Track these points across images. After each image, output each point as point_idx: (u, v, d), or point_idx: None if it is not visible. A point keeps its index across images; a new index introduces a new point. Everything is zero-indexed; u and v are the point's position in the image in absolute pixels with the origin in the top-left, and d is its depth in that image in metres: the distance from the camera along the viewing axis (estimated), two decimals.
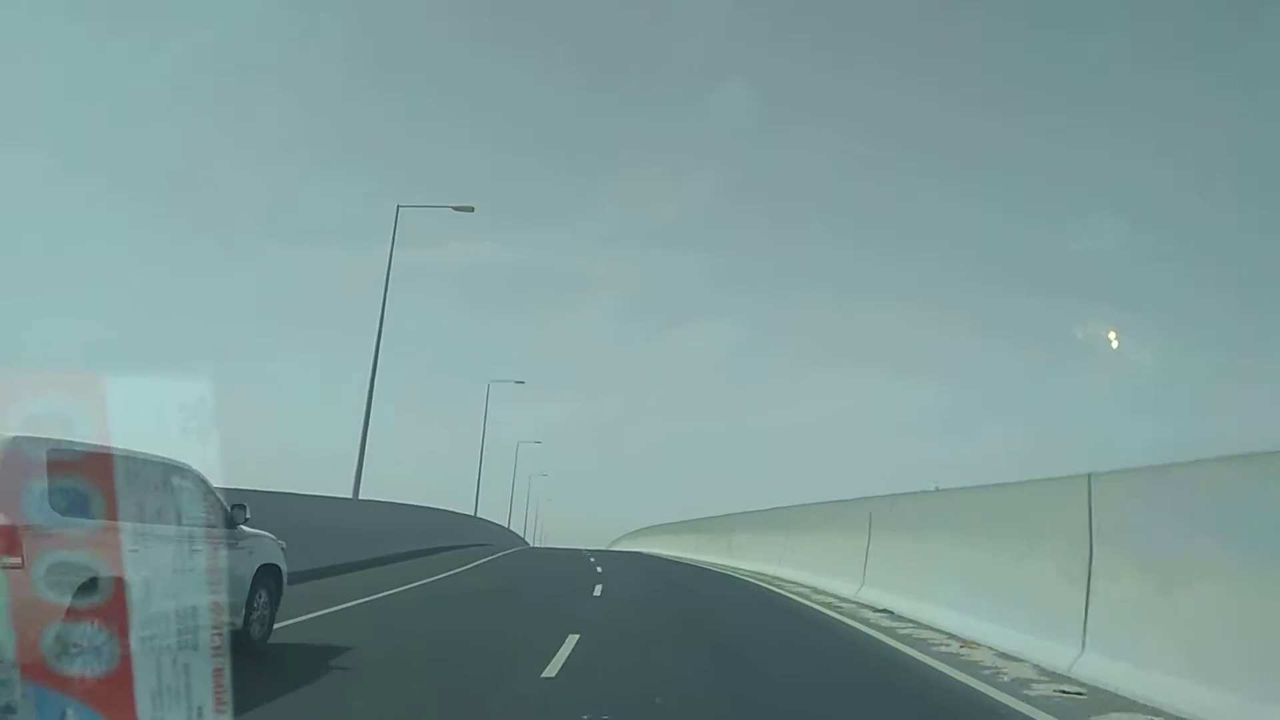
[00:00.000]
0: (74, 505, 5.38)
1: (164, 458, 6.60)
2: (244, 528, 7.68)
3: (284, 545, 8.52)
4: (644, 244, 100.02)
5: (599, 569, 19.51)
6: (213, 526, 7.17)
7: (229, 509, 7.50)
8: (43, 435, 5.19)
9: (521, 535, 64.48)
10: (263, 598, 7.88)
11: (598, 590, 13.58)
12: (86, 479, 5.60)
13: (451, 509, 34.68)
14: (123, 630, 5.21)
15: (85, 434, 4.73)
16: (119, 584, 5.31)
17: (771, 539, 20.56)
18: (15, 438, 5.14)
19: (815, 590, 14.85)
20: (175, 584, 6.25)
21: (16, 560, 4.71)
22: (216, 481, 7.11)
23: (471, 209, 24.14)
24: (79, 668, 4.76)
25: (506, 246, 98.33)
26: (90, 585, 5.11)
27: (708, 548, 28.14)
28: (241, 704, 4.60)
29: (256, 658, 7.13)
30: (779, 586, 16.11)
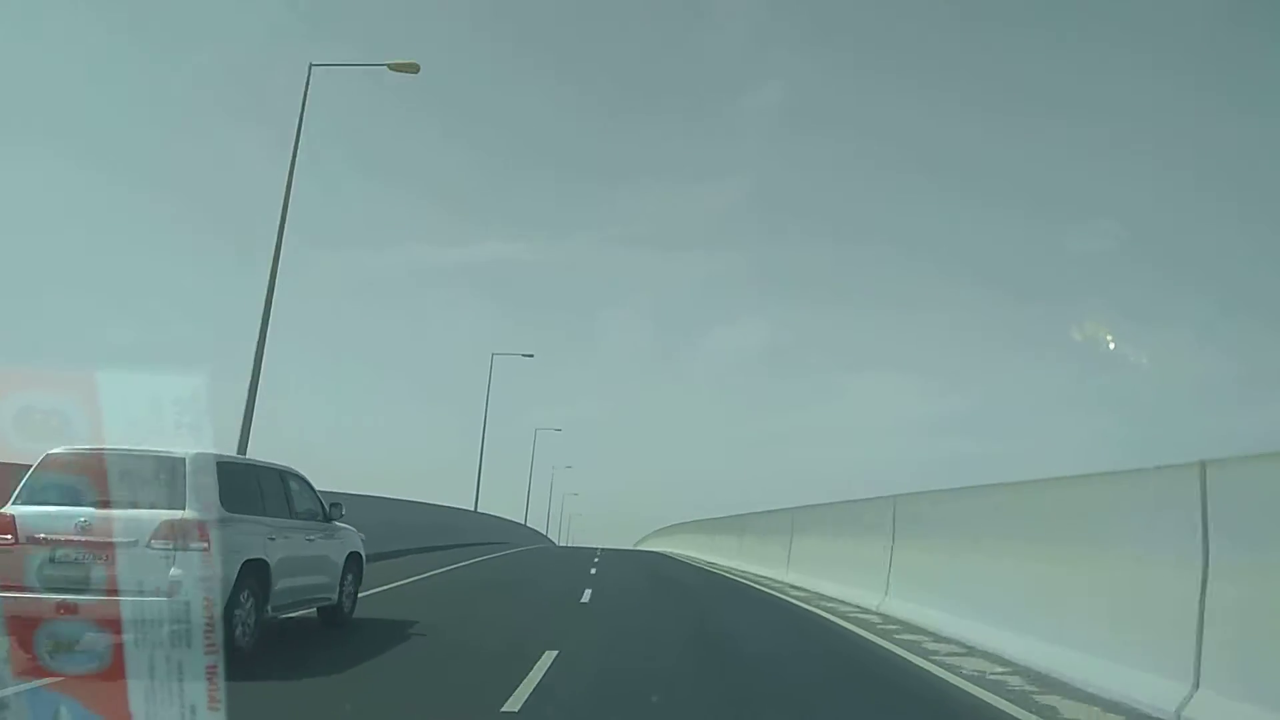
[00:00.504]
0: (236, 504, 7.30)
1: (283, 465, 8.79)
2: (336, 522, 9.39)
3: (364, 537, 10.22)
4: (674, 246, 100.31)
5: (584, 598, 11.85)
6: (317, 520, 9.00)
7: (327, 506, 9.31)
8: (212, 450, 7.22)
9: (544, 533, 61.61)
10: (350, 579, 9.61)
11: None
12: (243, 484, 7.66)
13: (454, 505, 34.84)
14: (266, 600, 7.42)
15: (79, 428, 4.76)
16: (264, 564, 7.40)
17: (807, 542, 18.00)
18: (198, 455, 6.89)
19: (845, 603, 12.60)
20: (299, 565, 8.31)
21: (204, 545, 6.69)
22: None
23: (416, 68, 15.31)
24: (239, 630, 6.92)
25: (535, 247, 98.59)
26: (248, 564, 7.13)
27: (729, 549, 25.86)
28: (342, 662, 7.02)
29: (348, 627, 8.96)
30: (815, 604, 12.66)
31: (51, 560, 6.54)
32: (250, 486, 7.95)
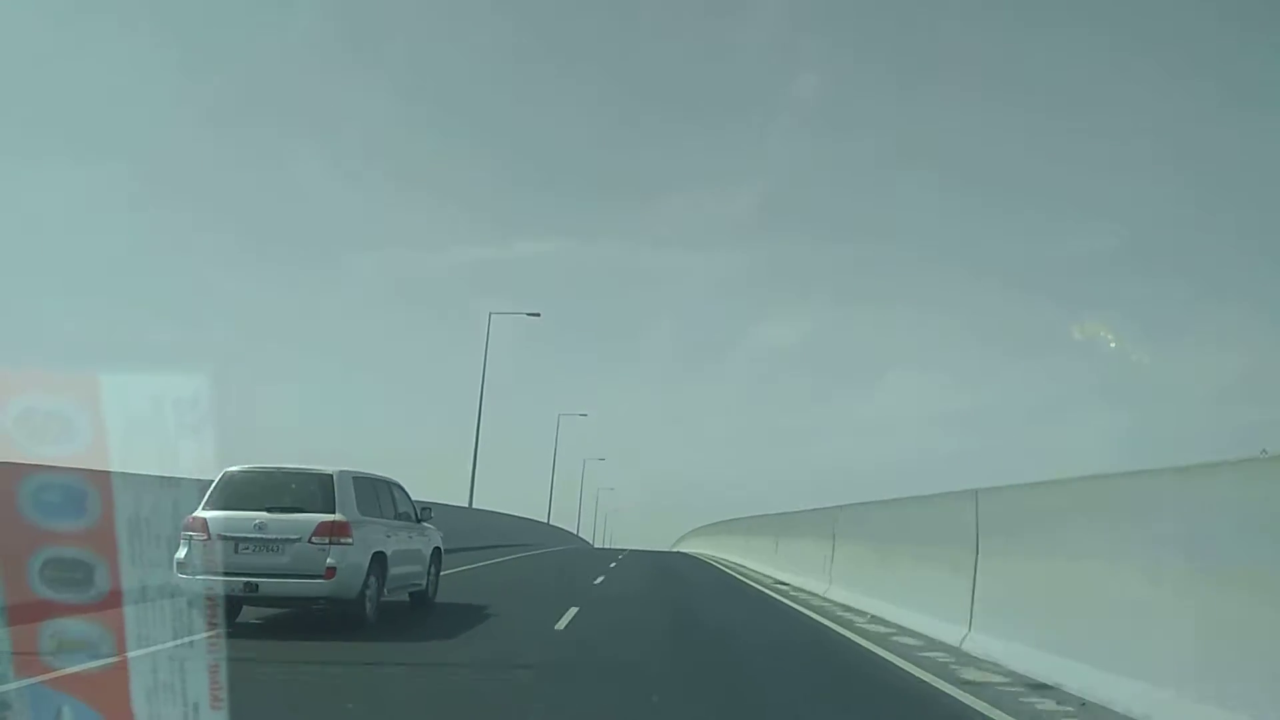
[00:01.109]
0: (365, 509, 9.53)
1: (389, 477, 10.93)
2: (424, 523, 11.49)
3: (443, 534, 12.31)
4: (701, 247, 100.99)
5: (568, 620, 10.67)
6: (412, 521, 11.08)
7: (418, 510, 11.44)
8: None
9: (572, 532, 64.34)
10: (435, 569, 11.83)
11: None
12: (368, 493, 9.83)
13: (524, 515, 37.04)
14: (384, 583, 9.64)
15: (81, 430, 4.77)
16: (382, 556, 9.56)
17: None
18: (341, 472, 9.39)
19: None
20: (404, 556, 10.44)
21: (349, 540, 8.92)
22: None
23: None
24: (369, 605, 9.15)
25: (576, 245, 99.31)
26: (375, 555, 9.36)
27: (764, 553, 23.05)
28: (437, 631, 9.47)
29: (435, 607, 11.49)
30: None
31: (236, 551, 8.74)
32: (371, 495, 10.08)
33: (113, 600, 3.80)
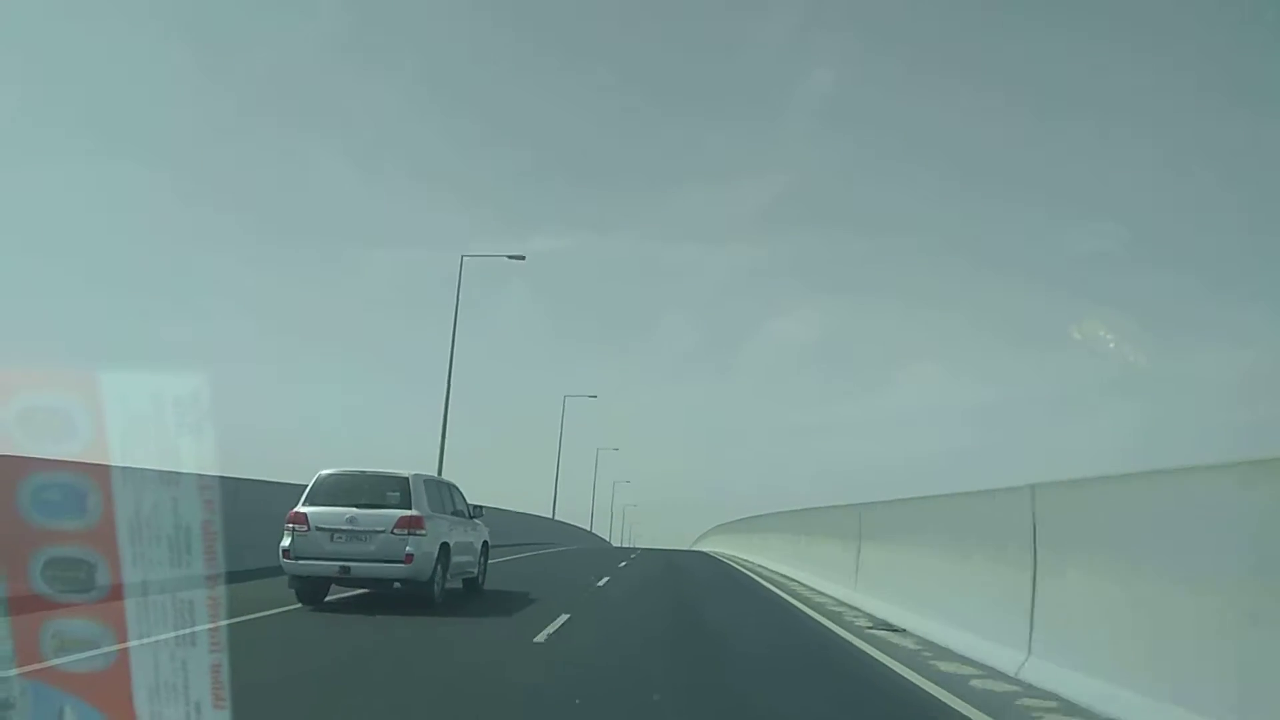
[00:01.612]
0: (433, 506, 11.38)
1: (449, 480, 13.25)
2: (476, 519, 13.28)
3: (489, 529, 14.18)
4: (720, 239, 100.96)
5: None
6: (467, 517, 12.89)
7: (471, 507, 13.28)
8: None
9: (604, 537, 62.55)
10: (484, 560, 13.82)
11: None
12: (434, 492, 11.69)
13: (533, 513, 36.38)
14: (448, 570, 11.52)
15: (81, 428, 4.78)
16: (447, 545, 11.48)
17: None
18: (416, 475, 11.28)
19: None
20: (462, 547, 12.31)
21: (424, 532, 10.73)
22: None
23: (523, 258, 29.46)
24: (437, 588, 11.10)
25: (587, 241, 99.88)
26: (442, 545, 11.26)
27: (781, 553, 22.21)
28: (488, 608, 11.97)
29: (484, 593, 13.38)
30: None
31: (331, 540, 10.60)
32: (437, 494, 11.98)
33: (114, 596, 3.80)
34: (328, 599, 11.21)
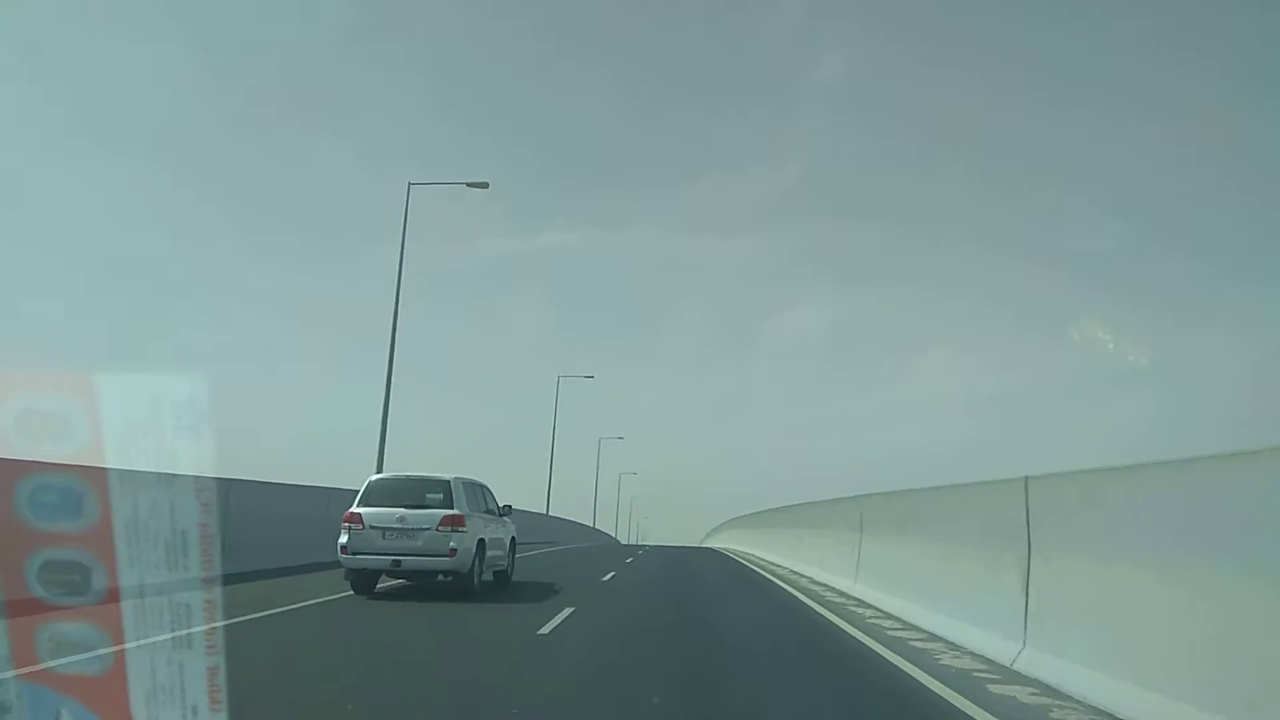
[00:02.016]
0: (471, 505, 12.72)
1: (481, 481, 14.08)
2: (505, 518, 14.63)
3: (515, 526, 15.71)
4: (733, 230, 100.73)
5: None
6: (498, 515, 14.26)
7: (501, 506, 14.66)
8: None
9: (610, 533, 61.26)
10: (512, 555, 15.29)
11: None
12: (471, 493, 12.94)
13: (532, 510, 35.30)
14: (484, 564, 12.97)
15: (79, 430, 4.77)
16: (483, 541, 12.87)
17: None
18: (456, 477, 12.70)
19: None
20: (495, 543, 13.69)
21: (465, 529, 12.27)
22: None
23: (485, 185, 24.41)
24: (476, 580, 12.74)
25: (597, 236, 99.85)
26: (479, 541, 12.67)
27: (787, 546, 22.01)
28: (522, 595, 13.58)
29: (513, 585, 14.74)
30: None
31: (383, 537, 12.08)
32: (474, 495, 13.36)
33: (110, 599, 3.79)
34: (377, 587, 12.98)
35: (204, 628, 3.22)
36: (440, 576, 12.67)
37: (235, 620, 9.36)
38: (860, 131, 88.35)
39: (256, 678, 6.52)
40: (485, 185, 25.07)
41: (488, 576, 13.64)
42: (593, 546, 36.12)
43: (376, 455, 25.64)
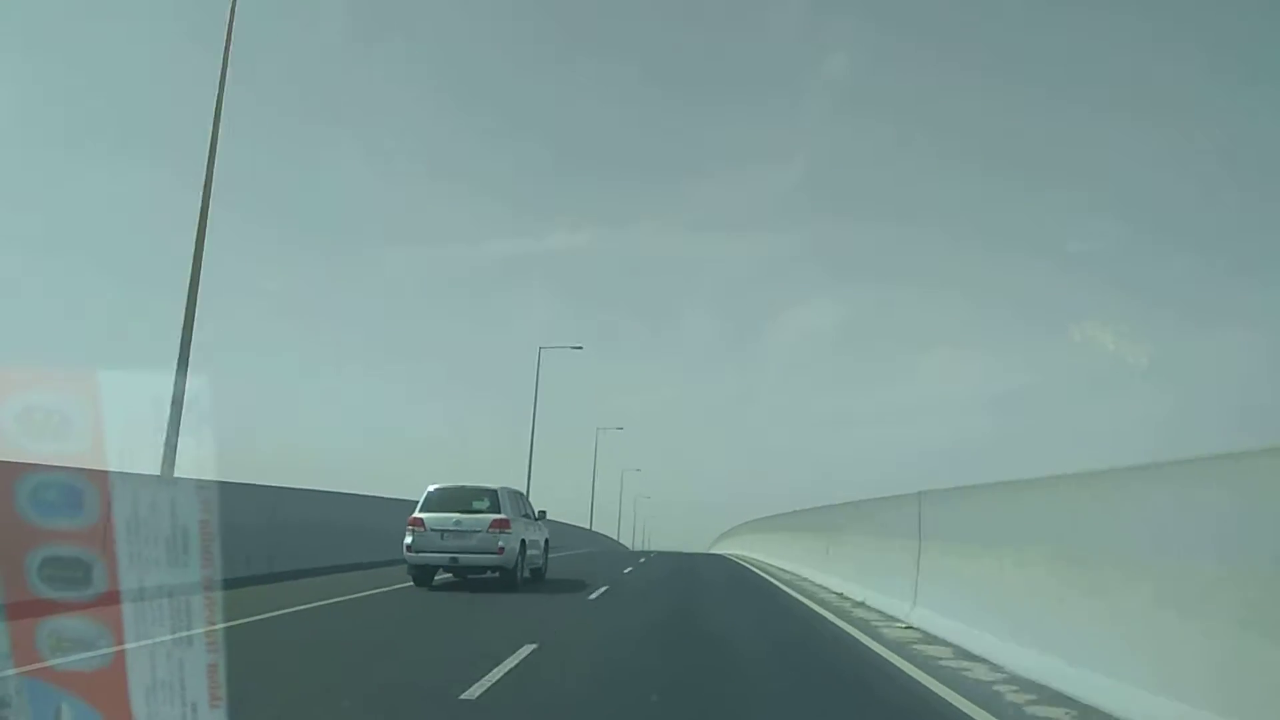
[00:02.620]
0: (513, 510, 14.68)
1: (518, 489, 16.17)
2: (539, 521, 16.61)
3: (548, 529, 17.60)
4: (738, 228, 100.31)
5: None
6: (534, 519, 16.24)
7: (536, 511, 16.73)
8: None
9: (613, 536, 60.77)
10: (546, 555, 17.03)
11: None
12: (513, 499, 15.10)
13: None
14: (524, 558, 15.05)
15: (80, 428, 4.78)
16: (524, 541, 14.90)
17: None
18: (502, 487, 14.83)
19: None
20: (533, 544, 15.58)
21: (510, 532, 14.24)
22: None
23: (580, 348, 31.76)
24: (519, 575, 14.82)
25: (605, 235, 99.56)
26: (521, 541, 14.70)
27: (800, 554, 20.43)
28: (555, 586, 15.81)
29: (547, 581, 16.29)
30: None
31: (441, 538, 13.96)
32: (515, 501, 15.28)
33: (110, 599, 3.81)
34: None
35: (217, 624, 3.23)
36: (489, 572, 14.45)
37: (323, 602, 11.48)
38: (865, 128, 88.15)
39: (402, 629, 9.79)
40: (580, 348, 35.16)
41: (526, 574, 15.40)
42: (587, 553, 34.09)
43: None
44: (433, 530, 14.06)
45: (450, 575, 14.99)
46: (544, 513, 17.16)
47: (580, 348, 40.53)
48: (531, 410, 33.07)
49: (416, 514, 14.27)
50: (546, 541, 17.16)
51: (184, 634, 3.26)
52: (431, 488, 14.61)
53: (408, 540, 14.07)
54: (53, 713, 3.37)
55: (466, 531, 14.08)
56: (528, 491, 47.05)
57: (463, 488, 14.71)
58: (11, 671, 3.79)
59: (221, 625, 3.46)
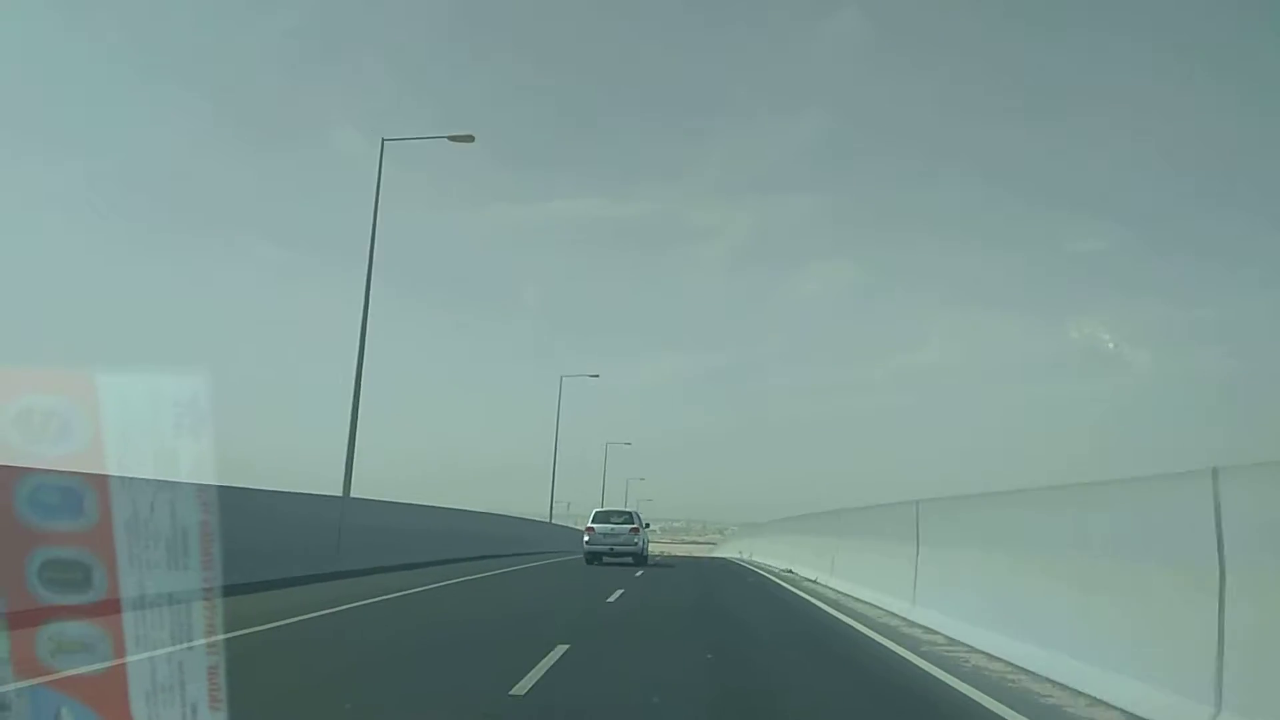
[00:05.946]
0: (639, 521, 28.37)
1: (635, 509, 31.78)
2: (641, 529, 28.56)
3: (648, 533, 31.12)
4: (753, 189, 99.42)
5: None
6: (644, 527, 29.28)
7: (641, 519, 29.01)
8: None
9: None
10: (646, 545, 29.50)
11: None
12: (638, 515, 29.50)
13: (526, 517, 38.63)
14: (646, 549, 29.51)
15: (79, 430, 4.77)
16: (645, 539, 29.32)
17: None
18: (635, 510, 30.89)
19: None
20: (646, 541, 29.78)
21: (639, 534, 27.91)
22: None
23: (470, 138, 21.12)
24: (645, 560, 28.60)
25: (613, 201, 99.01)
26: (644, 539, 28.82)
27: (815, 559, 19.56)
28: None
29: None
30: None
31: (604, 538, 26.81)
32: (638, 516, 28.22)
33: (111, 603, 3.78)
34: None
35: (204, 630, 3.19)
36: (629, 559, 26.08)
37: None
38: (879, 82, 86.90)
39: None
40: (470, 139, 21.51)
41: (645, 556, 27.45)
42: (557, 564, 34.50)
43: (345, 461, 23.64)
44: (598, 533, 26.49)
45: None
46: (649, 524, 30.12)
47: (597, 376, 47.01)
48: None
49: (589, 524, 26.72)
50: (647, 541, 29.01)
51: (184, 637, 3.24)
52: (597, 510, 27.32)
53: (585, 539, 26.60)
54: (52, 716, 3.34)
55: (617, 533, 26.55)
56: (550, 498, 50.03)
57: (613, 510, 27.92)
58: (10, 676, 3.76)
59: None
